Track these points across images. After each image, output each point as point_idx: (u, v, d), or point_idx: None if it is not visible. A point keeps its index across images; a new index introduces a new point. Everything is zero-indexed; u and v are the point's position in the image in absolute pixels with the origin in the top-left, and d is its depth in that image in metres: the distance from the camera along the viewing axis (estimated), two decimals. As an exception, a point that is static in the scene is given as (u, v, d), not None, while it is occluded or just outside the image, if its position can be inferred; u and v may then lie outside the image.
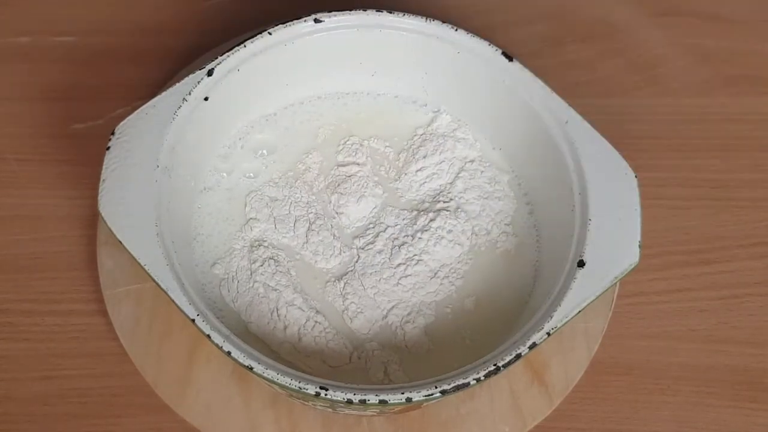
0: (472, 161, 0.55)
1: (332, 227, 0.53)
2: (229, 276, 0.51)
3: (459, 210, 0.53)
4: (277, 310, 0.50)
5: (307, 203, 0.54)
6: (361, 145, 0.56)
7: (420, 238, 0.52)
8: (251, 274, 0.51)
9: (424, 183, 0.54)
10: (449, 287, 0.51)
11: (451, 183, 0.54)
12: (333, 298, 0.51)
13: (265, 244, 0.52)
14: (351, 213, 0.53)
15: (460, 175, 0.54)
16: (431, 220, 0.52)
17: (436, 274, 0.51)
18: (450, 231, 0.52)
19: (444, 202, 0.53)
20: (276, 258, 0.51)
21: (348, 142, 0.56)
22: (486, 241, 0.53)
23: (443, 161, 0.55)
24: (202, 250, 0.52)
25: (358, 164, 0.55)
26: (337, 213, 0.54)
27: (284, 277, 0.51)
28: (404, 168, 0.55)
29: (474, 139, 0.56)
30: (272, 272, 0.51)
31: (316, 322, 0.50)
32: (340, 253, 0.52)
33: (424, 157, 0.55)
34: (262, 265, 0.51)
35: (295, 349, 0.49)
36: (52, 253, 0.57)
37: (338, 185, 0.54)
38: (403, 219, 0.53)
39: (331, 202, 0.54)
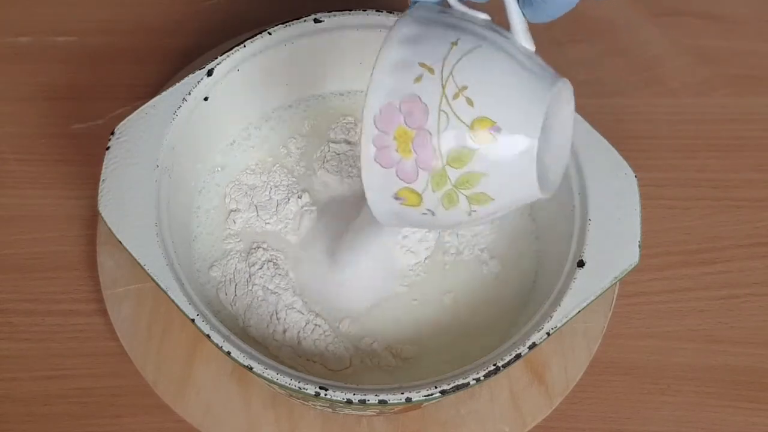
0: None
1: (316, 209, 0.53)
2: (226, 279, 0.51)
3: None
4: (276, 313, 0.50)
5: (288, 186, 0.54)
6: (356, 124, 0.56)
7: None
8: (250, 276, 0.51)
9: None
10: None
11: None
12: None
13: (264, 246, 0.52)
14: (335, 191, 0.54)
15: None
16: None
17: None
18: (405, 237, 0.52)
19: None
20: (275, 261, 0.51)
21: (343, 121, 0.56)
22: (455, 260, 0.53)
23: None
24: (201, 250, 0.52)
25: (349, 143, 0.55)
26: (320, 188, 0.54)
27: (283, 280, 0.51)
28: None
29: None
30: (271, 275, 0.51)
31: (315, 325, 0.50)
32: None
33: None
34: (261, 268, 0.51)
35: (295, 353, 0.49)
36: (52, 253, 0.57)
37: (326, 161, 0.54)
38: None
39: (317, 176, 0.54)
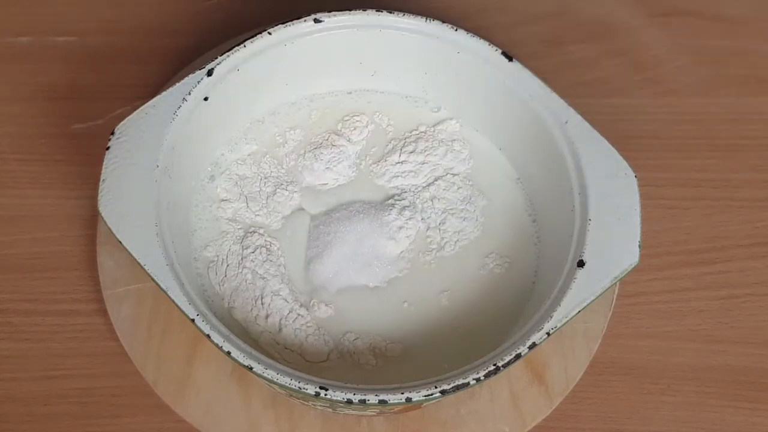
0: (455, 175, 0.55)
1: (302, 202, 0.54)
2: (219, 259, 0.51)
3: (405, 209, 0.53)
4: (262, 298, 0.50)
5: (277, 177, 0.54)
6: (366, 126, 0.56)
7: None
8: (242, 259, 0.51)
9: (397, 176, 0.54)
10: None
11: (423, 187, 0.54)
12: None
13: (260, 231, 0.52)
14: (315, 178, 0.54)
15: (435, 182, 0.54)
16: (376, 210, 0.53)
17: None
18: (386, 224, 0.52)
19: (398, 199, 0.54)
20: (268, 247, 0.52)
21: (355, 117, 0.56)
22: (436, 258, 0.53)
23: (425, 163, 0.55)
24: (199, 239, 0.52)
25: (350, 141, 0.55)
26: (302, 170, 0.54)
27: (273, 267, 0.51)
28: (387, 154, 0.55)
29: (469, 156, 0.55)
30: (263, 260, 0.51)
31: (298, 314, 0.50)
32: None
33: (411, 152, 0.55)
34: (253, 252, 0.51)
35: (274, 341, 0.49)
36: (52, 253, 0.57)
37: (317, 147, 0.55)
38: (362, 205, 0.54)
39: (304, 157, 0.54)
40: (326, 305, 0.51)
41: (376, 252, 0.52)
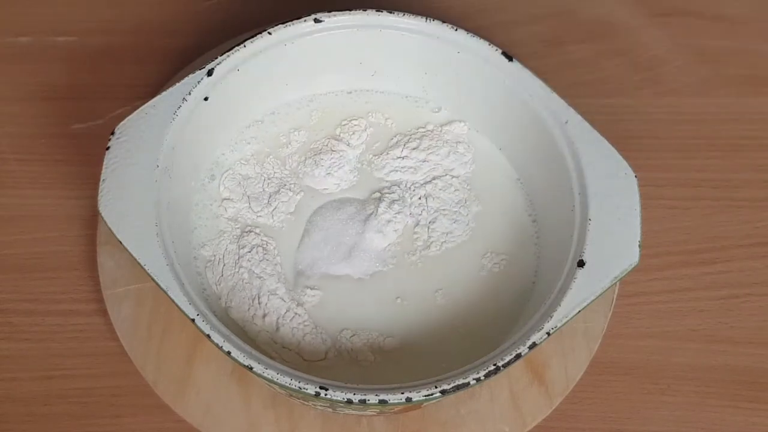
0: (455, 177, 0.55)
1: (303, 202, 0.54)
2: (216, 258, 0.51)
3: (394, 203, 0.53)
4: (259, 297, 0.50)
5: (280, 179, 0.54)
6: (365, 130, 0.56)
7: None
8: (238, 258, 0.51)
9: (395, 170, 0.55)
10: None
11: (420, 185, 0.54)
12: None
13: (257, 230, 0.52)
14: (316, 184, 0.54)
15: (433, 181, 0.54)
16: (363, 201, 0.53)
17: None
18: (374, 216, 0.52)
19: (388, 193, 0.54)
20: (265, 246, 0.52)
21: (353, 122, 0.56)
22: (421, 256, 0.53)
23: (426, 161, 0.55)
24: (198, 238, 0.52)
25: (349, 145, 0.55)
26: (303, 176, 0.54)
27: (269, 266, 0.51)
28: (390, 148, 0.55)
29: (471, 161, 0.55)
30: (259, 259, 0.51)
31: (295, 313, 0.50)
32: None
33: (414, 149, 0.55)
34: (250, 251, 0.51)
35: (272, 340, 0.49)
36: (52, 253, 0.57)
37: (318, 153, 0.55)
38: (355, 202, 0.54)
39: (305, 164, 0.54)
40: (311, 289, 0.51)
41: (360, 243, 0.52)
